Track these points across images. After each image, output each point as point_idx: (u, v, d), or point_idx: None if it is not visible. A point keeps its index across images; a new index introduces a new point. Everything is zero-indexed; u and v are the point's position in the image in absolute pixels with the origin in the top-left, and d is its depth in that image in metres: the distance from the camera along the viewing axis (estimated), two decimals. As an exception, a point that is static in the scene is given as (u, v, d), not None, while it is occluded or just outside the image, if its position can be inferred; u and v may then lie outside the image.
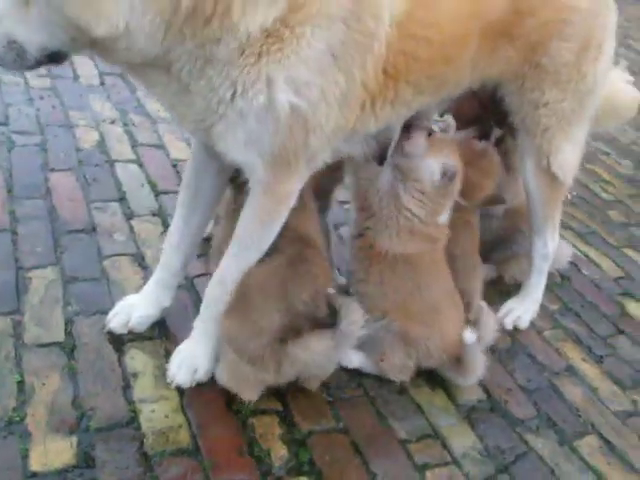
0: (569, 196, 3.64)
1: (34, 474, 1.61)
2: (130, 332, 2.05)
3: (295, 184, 1.78)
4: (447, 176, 2.09)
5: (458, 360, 2.10)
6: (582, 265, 3.08)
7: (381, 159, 2.08)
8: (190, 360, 1.93)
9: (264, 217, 1.80)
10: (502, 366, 2.36)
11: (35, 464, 1.63)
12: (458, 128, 2.54)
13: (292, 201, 1.81)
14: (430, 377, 2.19)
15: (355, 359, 2.14)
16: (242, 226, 1.82)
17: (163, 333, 2.09)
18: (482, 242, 2.68)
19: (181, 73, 1.50)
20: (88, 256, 2.31)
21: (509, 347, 2.47)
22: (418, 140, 2.10)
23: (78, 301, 2.12)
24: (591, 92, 2.24)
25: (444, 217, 2.17)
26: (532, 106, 2.19)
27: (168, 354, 1.99)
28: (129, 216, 2.55)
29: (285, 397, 1.99)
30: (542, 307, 2.68)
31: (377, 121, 1.84)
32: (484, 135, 2.42)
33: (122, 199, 2.63)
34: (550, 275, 2.77)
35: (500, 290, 2.71)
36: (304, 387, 1.99)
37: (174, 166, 2.94)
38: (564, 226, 3.32)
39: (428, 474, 1.88)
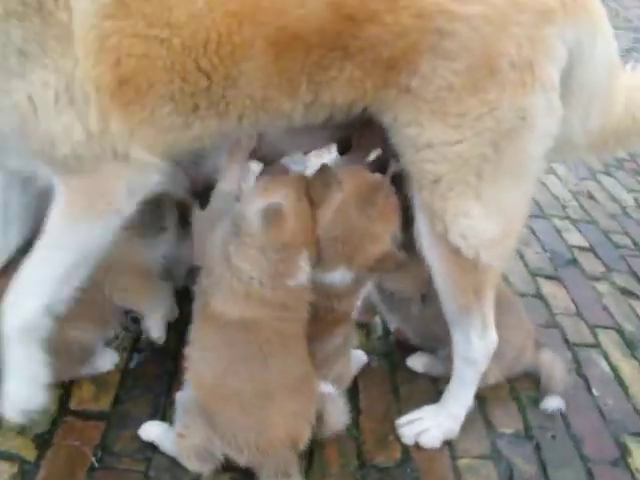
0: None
1: None
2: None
3: (113, 182, 1.57)
4: (267, 218, 1.63)
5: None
6: (596, 382, 2.29)
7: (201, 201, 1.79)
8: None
9: (72, 213, 1.60)
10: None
11: None
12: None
13: (118, 204, 1.60)
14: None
15: (152, 431, 1.82)
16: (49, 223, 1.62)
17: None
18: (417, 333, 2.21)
19: None
20: None
21: (394, 464, 1.90)
22: (234, 174, 1.76)
23: None
24: (517, 132, 1.61)
25: (300, 279, 1.70)
26: (412, 147, 1.64)
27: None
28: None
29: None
30: (488, 427, 2.06)
31: (143, 141, 1.55)
32: (380, 168, 1.86)
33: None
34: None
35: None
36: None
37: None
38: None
39: None
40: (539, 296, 2.65)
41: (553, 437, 2.07)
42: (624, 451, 2.07)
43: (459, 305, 1.81)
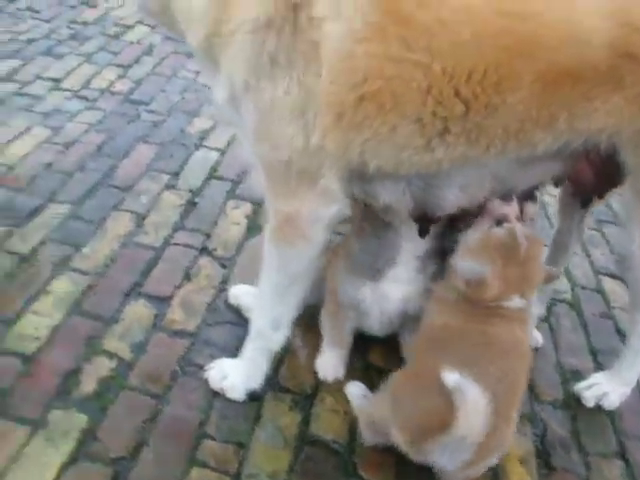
0: None
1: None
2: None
3: (301, 207, 1.71)
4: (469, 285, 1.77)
5: None
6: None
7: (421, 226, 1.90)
8: (226, 367, 2.03)
9: (273, 237, 1.81)
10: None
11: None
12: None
13: (306, 231, 1.74)
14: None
15: (353, 390, 2.06)
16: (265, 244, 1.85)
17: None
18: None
19: None
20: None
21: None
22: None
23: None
24: None
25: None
26: None
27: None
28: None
29: None
30: (530, 392, 2.23)
31: (376, 157, 1.65)
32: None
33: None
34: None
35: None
36: None
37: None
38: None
39: None
40: (599, 290, 2.79)
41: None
42: None
43: None
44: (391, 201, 1.82)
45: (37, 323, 2.17)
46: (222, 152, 3.19)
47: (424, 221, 1.89)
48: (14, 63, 3.79)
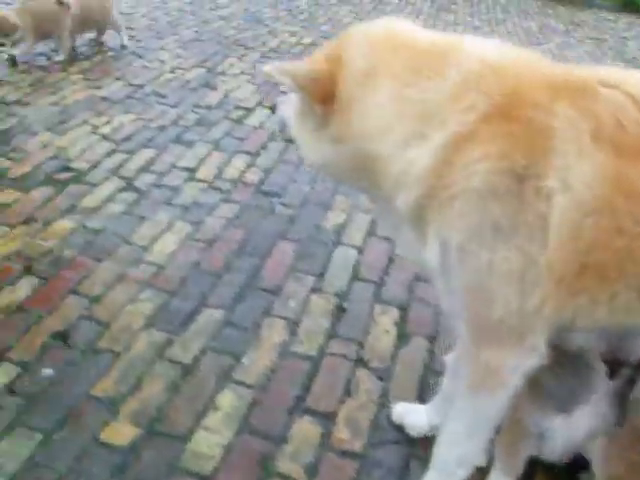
0: None
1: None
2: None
3: (505, 359, 1.76)
4: None
5: None
6: None
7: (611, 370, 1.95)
8: None
9: (471, 383, 1.84)
10: None
11: None
12: None
13: (506, 380, 1.79)
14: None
15: None
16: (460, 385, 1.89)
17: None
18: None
19: None
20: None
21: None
22: None
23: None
24: None
25: None
26: None
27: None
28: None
29: None
30: None
31: (590, 318, 1.68)
32: None
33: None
34: None
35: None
36: None
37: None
38: None
39: None
40: None
41: None
42: None
43: None
44: (585, 346, 1.85)
45: (209, 441, 2.24)
46: (359, 250, 3.25)
47: (613, 363, 1.91)
48: (150, 153, 3.99)
